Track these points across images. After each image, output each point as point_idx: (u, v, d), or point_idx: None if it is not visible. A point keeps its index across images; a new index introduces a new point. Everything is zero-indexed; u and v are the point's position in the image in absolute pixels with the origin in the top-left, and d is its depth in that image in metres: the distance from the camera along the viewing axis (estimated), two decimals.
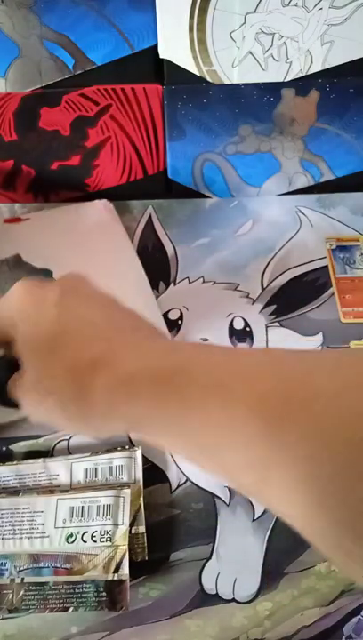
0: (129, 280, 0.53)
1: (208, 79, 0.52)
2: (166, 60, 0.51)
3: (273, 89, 0.53)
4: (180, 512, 0.43)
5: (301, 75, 0.52)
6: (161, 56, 0.50)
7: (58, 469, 0.43)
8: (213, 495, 0.44)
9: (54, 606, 0.38)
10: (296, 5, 0.47)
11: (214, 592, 0.41)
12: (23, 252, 0.53)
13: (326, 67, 0.51)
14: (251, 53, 0.50)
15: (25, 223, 0.58)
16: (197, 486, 0.44)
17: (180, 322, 0.52)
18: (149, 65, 0.51)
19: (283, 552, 0.42)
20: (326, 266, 0.56)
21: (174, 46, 0.49)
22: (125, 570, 0.39)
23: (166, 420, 0.24)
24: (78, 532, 0.40)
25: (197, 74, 0.51)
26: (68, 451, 0.46)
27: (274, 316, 0.52)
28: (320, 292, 0.54)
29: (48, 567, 0.39)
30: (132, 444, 0.46)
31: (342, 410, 0.19)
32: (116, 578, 0.38)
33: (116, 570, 0.39)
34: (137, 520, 0.41)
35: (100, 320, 0.28)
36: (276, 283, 0.55)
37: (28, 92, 0.53)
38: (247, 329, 0.52)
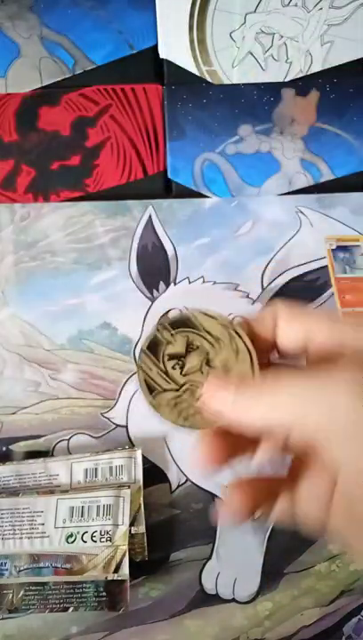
0: None
1: (208, 79, 0.52)
2: (166, 59, 0.51)
3: (273, 89, 0.53)
4: (180, 512, 0.43)
5: (301, 75, 0.52)
6: (161, 56, 0.50)
7: (58, 469, 0.43)
8: (213, 495, 0.44)
9: (54, 606, 0.38)
10: (296, 5, 0.47)
11: (214, 592, 0.41)
12: None
13: (326, 67, 0.51)
14: (251, 53, 0.50)
15: None
16: (197, 486, 0.44)
17: None
18: (149, 65, 0.51)
19: (283, 552, 0.42)
20: (326, 266, 0.56)
21: (174, 46, 0.50)
22: (125, 570, 0.39)
23: None
24: (78, 532, 0.40)
25: (197, 74, 0.51)
26: (68, 451, 0.46)
27: None
28: (320, 292, 0.54)
29: (48, 567, 0.39)
30: (132, 444, 0.46)
31: None
32: (116, 578, 0.38)
33: (116, 570, 0.39)
34: (137, 520, 0.41)
35: None
36: (276, 283, 0.55)
37: (28, 92, 0.53)
38: None
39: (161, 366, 0.26)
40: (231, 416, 0.23)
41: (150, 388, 0.25)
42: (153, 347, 0.26)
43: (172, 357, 0.26)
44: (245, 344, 0.25)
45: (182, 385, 0.25)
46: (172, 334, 0.26)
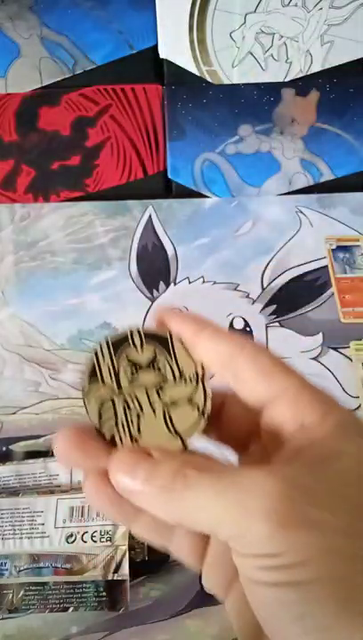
0: None
1: (208, 79, 0.52)
2: (166, 59, 0.51)
3: (273, 89, 0.53)
4: None
5: (301, 75, 0.52)
6: (161, 56, 0.50)
7: (58, 469, 0.43)
8: None
9: (54, 606, 0.38)
10: (296, 5, 0.47)
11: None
12: None
13: (326, 67, 0.51)
14: (251, 53, 0.50)
15: None
16: None
17: None
18: (149, 65, 0.51)
19: None
20: (326, 266, 0.56)
21: (174, 46, 0.49)
22: (125, 570, 0.39)
23: None
24: (78, 532, 0.40)
25: (197, 74, 0.51)
26: None
27: (274, 316, 0.52)
28: (320, 292, 0.54)
29: (48, 567, 0.39)
30: None
31: None
32: (116, 578, 0.38)
33: (117, 570, 0.39)
34: None
35: None
36: (276, 283, 0.55)
37: (28, 92, 0.53)
38: (247, 329, 0.52)
39: (115, 362, 0.24)
40: (136, 499, 0.21)
41: (92, 373, 0.24)
42: (118, 343, 0.24)
43: (129, 362, 0.24)
44: (204, 396, 0.23)
45: (122, 391, 0.24)
46: (142, 341, 0.24)
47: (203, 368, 0.24)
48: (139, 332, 0.24)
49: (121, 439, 0.23)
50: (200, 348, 0.23)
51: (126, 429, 0.23)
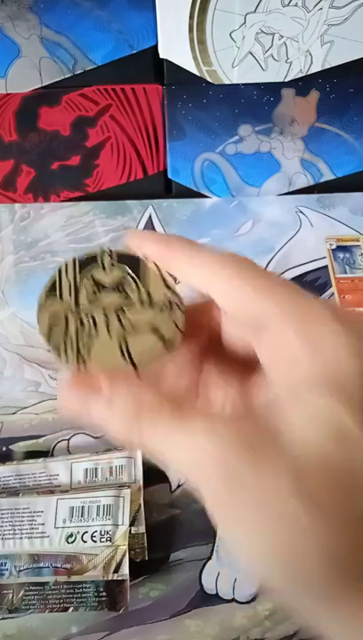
0: None
1: (208, 79, 0.52)
2: (166, 59, 0.51)
3: (273, 89, 0.53)
4: (180, 512, 0.43)
5: (301, 75, 0.52)
6: (161, 56, 0.50)
7: (58, 469, 0.43)
8: None
9: (54, 606, 0.38)
10: (296, 5, 0.47)
11: (214, 592, 0.41)
12: None
13: (326, 67, 0.51)
14: (251, 53, 0.50)
15: None
16: None
17: None
18: (149, 65, 0.51)
19: None
20: (326, 266, 0.56)
21: (174, 46, 0.50)
22: (125, 570, 0.39)
23: None
24: (78, 532, 0.40)
25: (197, 74, 0.51)
26: (68, 451, 0.46)
27: None
28: (320, 292, 0.54)
29: (48, 567, 0.39)
30: None
31: None
32: (116, 578, 0.38)
33: (117, 570, 0.39)
34: (137, 520, 0.41)
35: None
36: None
37: (28, 92, 0.53)
38: None
39: (78, 281, 0.23)
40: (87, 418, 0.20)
41: (52, 288, 0.23)
42: (86, 263, 0.23)
43: (92, 281, 0.23)
44: (172, 326, 0.22)
45: (79, 309, 0.22)
46: (113, 263, 0.23)
47: (175, 294, 0.22)
48: (110, 252, 0.23)
49: (67, 355, 0.21)
50: (174, 270, 0.22)
51: (74, 348, 0.21)
